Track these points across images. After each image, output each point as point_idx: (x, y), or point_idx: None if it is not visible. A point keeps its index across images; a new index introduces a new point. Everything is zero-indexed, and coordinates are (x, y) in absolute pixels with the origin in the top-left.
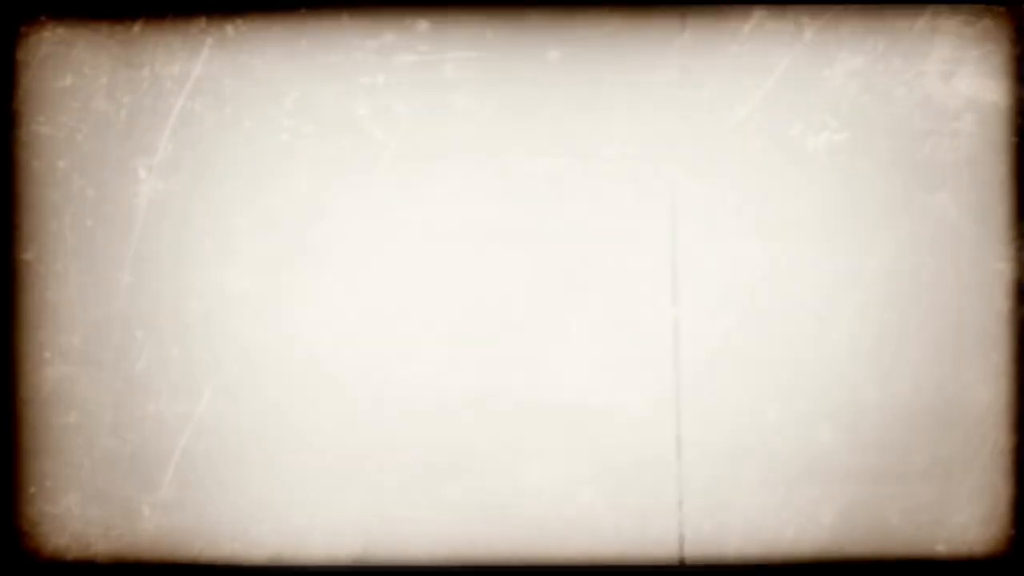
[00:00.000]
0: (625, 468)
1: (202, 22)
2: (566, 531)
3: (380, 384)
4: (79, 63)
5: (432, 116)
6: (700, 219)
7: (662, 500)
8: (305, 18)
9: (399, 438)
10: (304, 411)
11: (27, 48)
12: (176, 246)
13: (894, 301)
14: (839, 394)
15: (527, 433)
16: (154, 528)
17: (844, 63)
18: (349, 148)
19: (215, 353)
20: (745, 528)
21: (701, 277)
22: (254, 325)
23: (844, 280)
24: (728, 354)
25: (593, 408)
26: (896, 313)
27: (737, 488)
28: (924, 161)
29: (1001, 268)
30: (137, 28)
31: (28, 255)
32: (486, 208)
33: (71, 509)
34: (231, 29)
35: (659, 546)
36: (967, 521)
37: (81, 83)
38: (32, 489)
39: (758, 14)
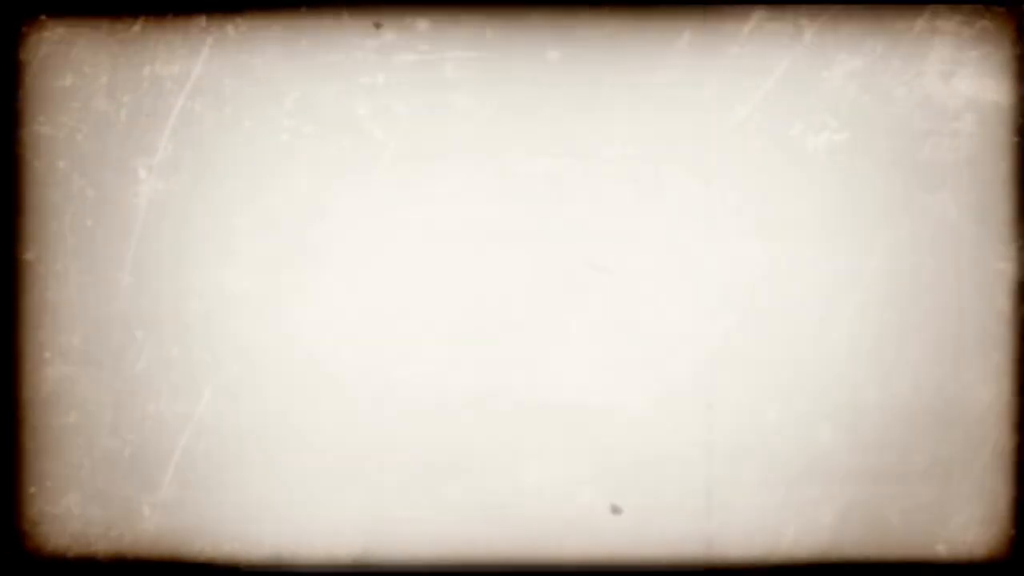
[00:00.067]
0: (625, 468)
1: (202, 22)
2: (566, 531)
3: (380, 384)
4: (79, 63)
5: (432, 116)
6: (700, 219)
7: (662, 500)
8: (305, 18)
9: (399, 438)
10: (304, 411)
11: (27, 48)
12: (176, 246)
13: (894, 301)
14: (839, 394)
15: (527, 433)
16: (154, 528)
17: (844, 63)
18: (349, 148)
19: (215, 353)
20: (745, 528)
21: (701, 277)
22: (254, 325)
23: (844, 280)
24: (728, 354)
25: (593, 408)
26: (896, 313)
27: (737, 488)
28: (924, 161)
29: (1001, 268)
30: (137, 28)
31: (28, 255)
32: (486, 208)
33: (71, 509)
34: (231, 29)
35: (659, 546)
36: (967, 521)
37: (81, 83)
38: (32, 489)
39: (758, 15)
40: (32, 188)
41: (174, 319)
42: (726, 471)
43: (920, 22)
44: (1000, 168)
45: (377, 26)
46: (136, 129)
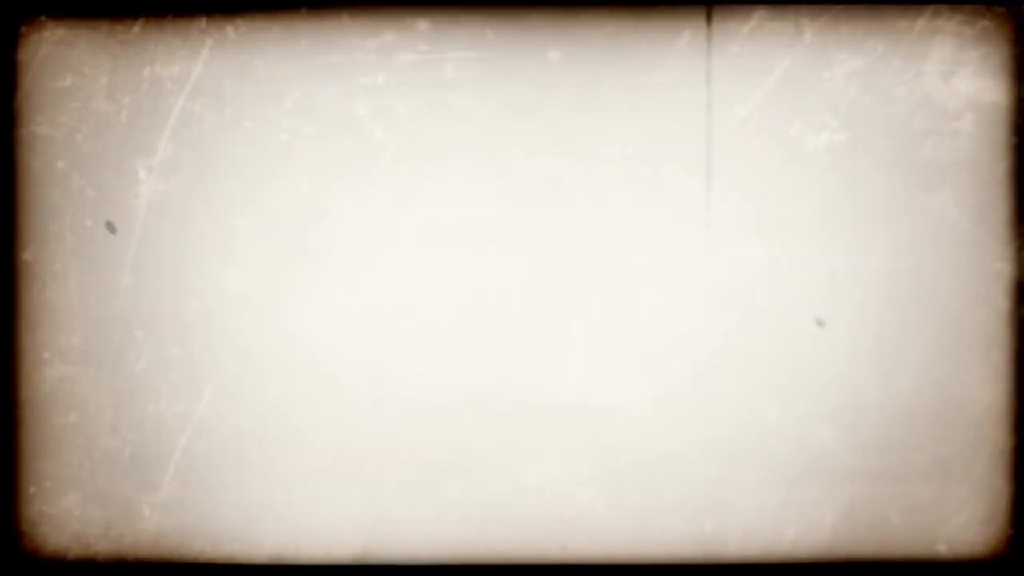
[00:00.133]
0: (625, 468)
1: (202, 22)
2: (566, 531)
3: (380, 384)
4: (79, 63)
5: (432, 116)
6: (700, 219)
7: (662, 500)
8: (305, 18)
9: (399, 438)
10: (304, 411)
11: (27, 48)
12: (176, 246)
13: (894, 301)
14: (839, 394)
15: (527, 433)
16: (154, 528)
17: (844, 63)
18: (349, 148)
19: (215, 353)
20: (745, 528)
21: (701, 277)
22: (254, 325)
23: (844, 280)
24: (728, 354)
25: (593, 408)
26: (896, 313)
27: (737, 488)
28: (924, 161)
29: (1001, 268)
30: (137, 28)
31: (28, 255)
32: (486, 208)
33: (71, 509)
34: (231, 29)
35: (659, 546)
36: (967, 521)
37: (81, 83)
38: (32, 489)
39: (758, 15)
40: (31, 188)
41: (174, 319)
42: (726, 471)
43: (920, 22)
44: (1000, 168)
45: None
46: (136, 130)
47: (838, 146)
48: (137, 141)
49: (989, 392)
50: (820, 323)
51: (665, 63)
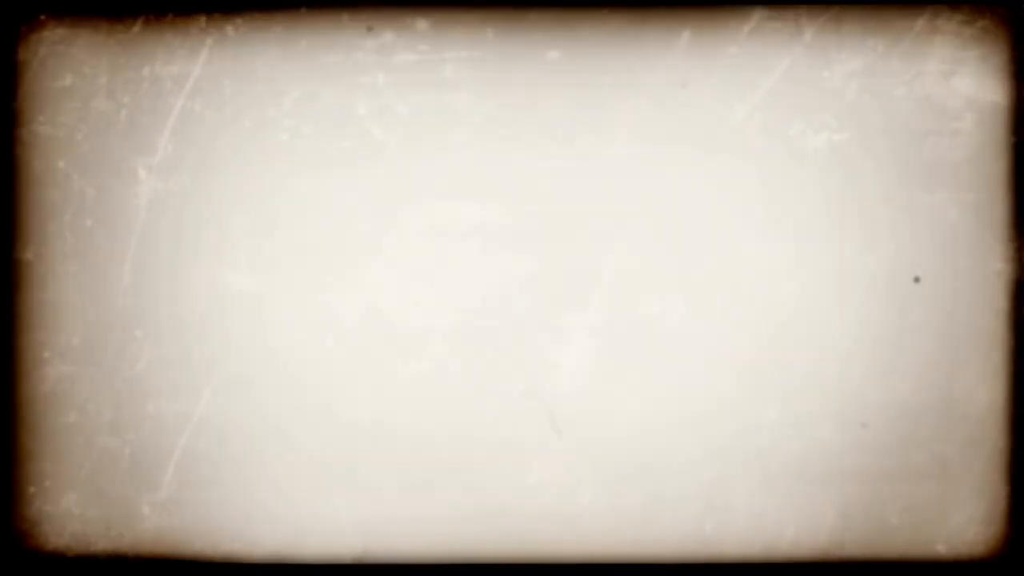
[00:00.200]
0: (625, 468)
1: (202, 22)
2: (566, 531)
3: (380, 384)
4: (79, 63)
5: (432, 116)
6: (700, 219)
7: (662, 500)
8: (305, 18)
9: (399, 438)
10: (304, 410)
11: (27, 48)
12: (176, 246)
13: (894, 301)
14: (839, 394)
15: (527, 433)
16: (154, 527)
17: (844, 63)
18: (349, 148)
19: (215, 353)
20: (745, 528)
21: (701, 277)
22: (254, 325)
23: (844, 280)
24: (728, 354)
25: (593, 408)
26: (896, 313)
27: (737, 488)
28: (924, 161)
29: (1001, 268)
30: (137, 28)
31: (28, 255)
32: (486, 208)
33: (71, 509)
34: (231, 29)
35: (659, 546)
36: (966, 521)
37: (81, 83)
38: (32, 489)
39: (758, 15)
40: (31, 188)
41: (173, 319)
42: (726, 471)
43: (920, 22)
44: (999, 168)
45: (369, 29)
46: (136, 129)
47: (838, 146)
48: (137, 141)
49: (988, 392)
50: (821, 323)
51: (665, 63)
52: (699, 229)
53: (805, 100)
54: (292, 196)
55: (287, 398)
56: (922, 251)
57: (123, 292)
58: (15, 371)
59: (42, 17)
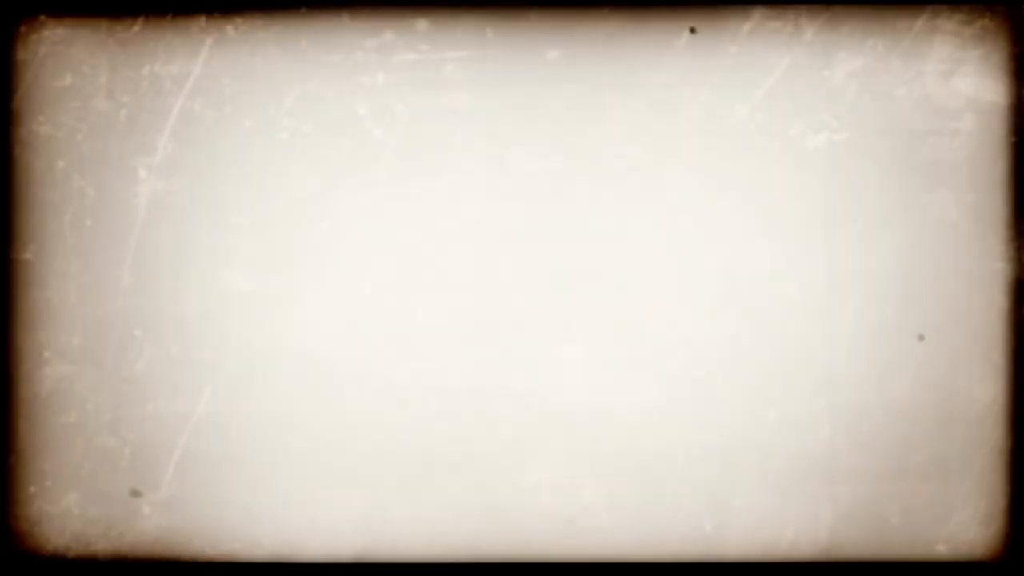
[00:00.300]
0: (625, 468)
1: (202, 21)
2: (566, 531)
3: (380, 384)
4: (79, 63)
5: (432, 116)
6: (700, 219)
7: (662, 500)
8: (305, 18)
9: (399, 438)
10: (304, 410)
11: (26, 47)
12: (176, 246)
13: (894, 301)
14: (839, 394)
15: (527, 433)
16: (154, 527)
17: (844, 63)
18: (349, 148)
19: (215, 353)
20: (745, 528)
21: (701, 277)
22: (254, 325)
23: (844, 280)
24: (728, 354)
25: (593, 408)
26: (896, 313)
27: (737, 488)
28: (924, 161)
29: (1001, 268)
30: (137, 27)
31: (27, 255)
32: (486, 208)
33: (71, 509)
34: (231, 28)
35: (659, 546)
36: (966, 521)
37: (81, 83)
38: (32, 489)
39: (758, 14)
40: (31, 188)
41: (174, 318)
42: (726, 471)
43: (920, 22)
44: (1000, 168)
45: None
46: (136, 129)
47: (838, 146)
48: (137, 140)
49: (989, 392)
50: (821, 322)
51: (665, 63)
52: (699, 229)
53: (805, 100)
54: (292, 196)
55: (287, 398)
56: (922, 251)
57: (123, 292)
58: (15, 371)
59: (42, 17)
